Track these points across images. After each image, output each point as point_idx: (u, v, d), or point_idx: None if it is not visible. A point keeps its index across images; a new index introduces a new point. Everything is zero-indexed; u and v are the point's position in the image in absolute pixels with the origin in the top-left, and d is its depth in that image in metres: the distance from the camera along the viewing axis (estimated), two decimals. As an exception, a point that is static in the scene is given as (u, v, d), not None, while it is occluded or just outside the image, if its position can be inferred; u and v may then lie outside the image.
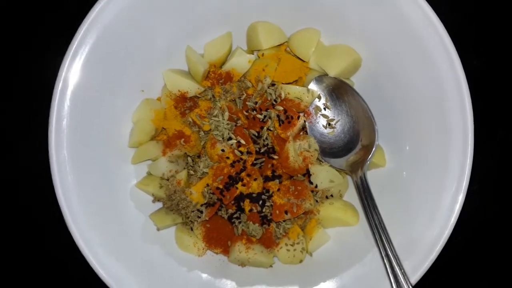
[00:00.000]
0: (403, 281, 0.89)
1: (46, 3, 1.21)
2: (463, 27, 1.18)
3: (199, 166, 1.03)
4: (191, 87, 1.03)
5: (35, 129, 1.18)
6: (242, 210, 1.03)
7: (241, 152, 1.00)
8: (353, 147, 1.03)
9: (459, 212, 0.93)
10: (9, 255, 1.21)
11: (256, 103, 1.02)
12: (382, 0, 0.94)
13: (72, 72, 0.94)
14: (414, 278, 0.93)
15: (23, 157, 1.20)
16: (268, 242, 1.02)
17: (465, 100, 0.92)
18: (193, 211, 1.01)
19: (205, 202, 1.01)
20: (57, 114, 0.94)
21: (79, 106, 0.95)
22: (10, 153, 1.21)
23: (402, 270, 0.90)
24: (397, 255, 0.91)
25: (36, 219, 1.20)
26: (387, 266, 0.91)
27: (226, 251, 1.03)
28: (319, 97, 1.04)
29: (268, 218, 1.02)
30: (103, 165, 1.00)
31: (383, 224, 0.93)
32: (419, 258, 0.94)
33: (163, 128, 1.06)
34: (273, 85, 1.03)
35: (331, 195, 1.05)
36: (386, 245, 0.91)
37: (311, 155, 1.02)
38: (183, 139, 1.03)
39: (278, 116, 1.01)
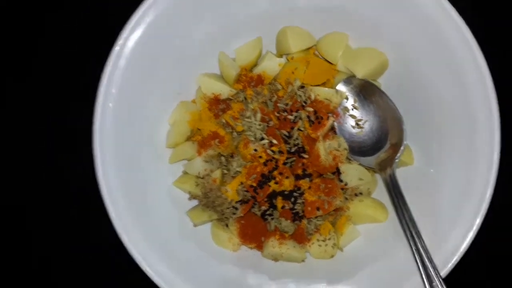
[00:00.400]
0: (433, 275, 0.92)
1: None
2: (486, 30, 1.20)
3: (232, 165, 1.07)
4: (224, 90, 1.08)
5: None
6: (274, 207, 1.06)
7: (273, 152, 1.04)
8: (382, 146, 1.06)
9: (488, 206, 0.95)
10: (53, 248, 1.26)
11: (286, 104, 1.06)
12: (408, 4, 0.97)
13: (115, 78, 0.99)
14: (444, 271, 0.95)
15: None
16: (300, 238, 1.06)
17: (491, 100, 0.94)
18: (228, 208, 1.05)
19: (240, 199, 1.05)
20: (101, 117, 0.98)
21: (121, 110, 1.00)
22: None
23: (433, 264, 0.93)
24: (427, 250, 0.94)
25: (78, 216, 1.25)
26: (418, 261, 0.94)
27: (260, 246, 1.07)
28: (347, 98, 1.08)
29: (300, 214, 1.05)
30: (143, 165, 1.05)
31: (414, 220, 0.96)
32: (449, 251, 0.96)
33: (198, 129, 1.10)
34: (302, 87, 1.07)
35: (360, 193, 1.09)
36: (416, 240, 0.94)
37: (341, 154, 1.05)
38: (217, 140, 1.07)
39: (308, 116, 1.05)
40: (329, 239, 1.05)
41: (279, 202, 1.05)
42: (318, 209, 1.03)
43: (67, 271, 1.26)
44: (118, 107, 1.00)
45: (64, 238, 1.26)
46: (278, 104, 1.06)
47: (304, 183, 1.06)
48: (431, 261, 0.93)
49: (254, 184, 1.04)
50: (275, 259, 1.07)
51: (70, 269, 1.26)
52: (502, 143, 0.95)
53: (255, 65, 1.11)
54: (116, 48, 0.99)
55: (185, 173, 1.10)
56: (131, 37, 0.99)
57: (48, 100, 1.25)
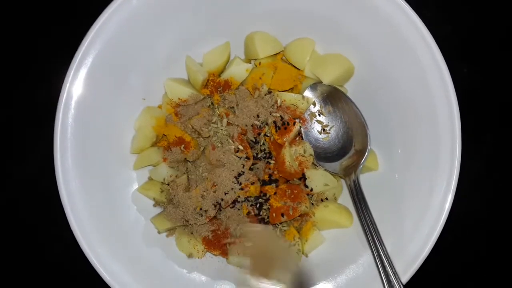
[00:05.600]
0: (394, 281, 0.92)
1: (51, 15, 1.24)
2: (454, 36, 1.22)
3: (199, 171, 1.07)
4: (191, 95, 1.07)
5: (39, 138, 1.20)
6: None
7: (239, 157, 1.03)
8: (347, 152, 1.06)
9: (448, 212, 0.96)
10: (13, 259, 1.24)
11: (253, 110, 1.06)
12: (374, 11, 0.98)
13: (77, 82, 0.97)
14: (405, 278, 0.96)
15: (27, 165, 1.23)
16: (265, 244, 1.06)
17: (453, 106, 0.95)
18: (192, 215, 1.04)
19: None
20: (62, 123, 0.97)
21: (83, 115, 0.99)
22: (12, 159, 1.24)
23: (393, 270, 0.93)
24: (388, 255, 0.94)
25: (38, 223, 1.22)
26: (379, 266, 0.94)
27: (224, 253, 1.06)
28: (314, 104, 1.08)
29: (265, 220, 1.05)
30: (106, 171, 1.03)
31: (375, 226, 0.96)
32: (410, 257, 0.96)
33: (164, 134, 1.09)
34: (269, 92, 1.07)
35: (326, 198, 1.09)
36: (378, 245, 0.94)
37: (307, 160, 1.05)
38: (183, 145, 1.07)
39: (274, 122, 1.05)
40: (294, 245, 1.04)
41: (244, 208, 1.05)
42: (283, 215, 1.02)
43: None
44: (81, 113, 0.99)
45: (18, 247, 1.23)
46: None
47: (270, 189, 1.05)
48: (392, 267, 0.93)
49: (219, 190, 1.03)
50: (240, 265, 1.06)
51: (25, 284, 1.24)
52: (465, 149, 0.96)
53: (223, 70, 1.10)
54: (80, 53, 0.98)
55: (150, 179, 1.09)
56: (96, 41, 0.98)
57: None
